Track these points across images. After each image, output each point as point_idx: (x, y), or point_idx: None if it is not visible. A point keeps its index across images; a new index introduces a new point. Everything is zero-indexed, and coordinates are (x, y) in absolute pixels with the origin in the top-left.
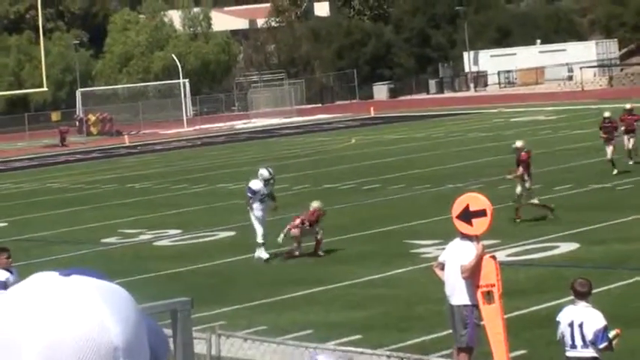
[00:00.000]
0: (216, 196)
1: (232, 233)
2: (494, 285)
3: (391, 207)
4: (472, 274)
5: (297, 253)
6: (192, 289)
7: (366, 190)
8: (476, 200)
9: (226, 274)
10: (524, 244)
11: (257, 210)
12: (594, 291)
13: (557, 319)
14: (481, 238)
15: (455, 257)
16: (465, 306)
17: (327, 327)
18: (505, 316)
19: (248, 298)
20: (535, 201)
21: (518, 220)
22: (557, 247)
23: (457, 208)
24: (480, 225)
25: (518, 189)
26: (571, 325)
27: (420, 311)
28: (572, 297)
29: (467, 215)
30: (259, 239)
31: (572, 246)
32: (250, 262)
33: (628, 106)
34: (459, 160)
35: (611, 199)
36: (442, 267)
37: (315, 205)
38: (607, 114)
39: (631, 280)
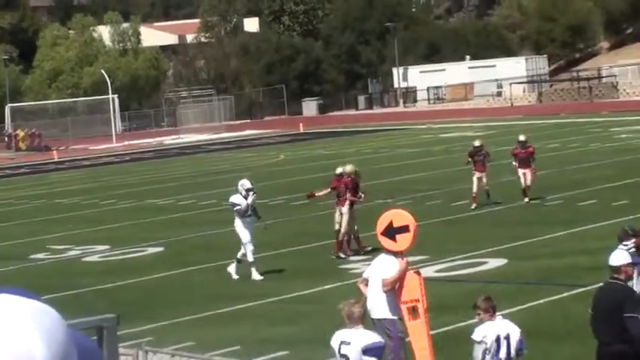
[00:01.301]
0: (144, 212)
1: (161, 249)
2: (418, 300)
3: (320, 223)
4: (393, 288)
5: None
6: (121, 305)
7: (295, 206)
8: (399, 216)
9: (154, 290)
10: (452, 260)
11: (241, 226)
12: (524, 306)
13: (480, 338)
14: (409, 254)
15: (378, 272)
16: (387, 319)
17: (254, 343)
18: (432, 332)
19: (176, 314)
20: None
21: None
22: (485, 262)
23: (381, 224)
24: (403, 241)
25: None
26: (497, 339)
27: None
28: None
29: (391, 232)
30: (250, 258)
31: (501, 262)
32: (179, 278)
33: (522, 137)
34: (387, 176)
35: (540, 214)
36: (367, 283)
37: None
38: (477, 142)
39: (559, 296)
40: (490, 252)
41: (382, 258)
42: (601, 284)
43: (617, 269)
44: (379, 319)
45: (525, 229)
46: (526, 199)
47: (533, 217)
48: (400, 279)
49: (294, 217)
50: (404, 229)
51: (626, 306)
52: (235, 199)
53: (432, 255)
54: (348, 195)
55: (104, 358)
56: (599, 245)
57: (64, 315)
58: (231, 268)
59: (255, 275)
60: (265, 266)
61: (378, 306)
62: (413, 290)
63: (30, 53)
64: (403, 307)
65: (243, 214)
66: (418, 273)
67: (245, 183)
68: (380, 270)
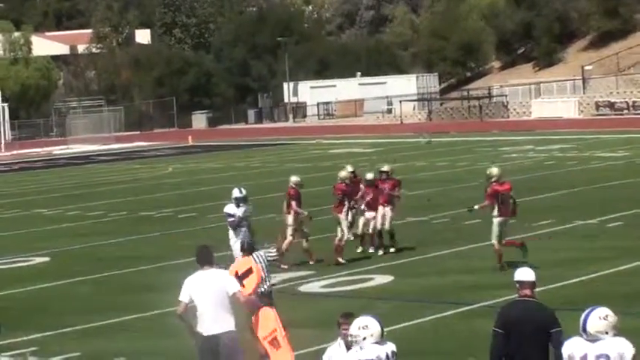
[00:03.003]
0: (31, 222)
1: (47, 259)
2: (275, 330)
3: (208, 236)
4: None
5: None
6: (5, 315)
7: (183, 219)
8: (241, 264)
9: (40, 300)
10: (338, 276)
11: (233, 238)
12: (409, 323)
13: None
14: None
15: (208, 288)
16: (231, 332)
17: (138, 355)
18: (316, 348)
19: (61, 325)
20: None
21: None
22: (371, 279)
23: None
24: (250, 282)
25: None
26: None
27: None
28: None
29: (239, 279)
30: None
31: (387, 278)
32: (64, 289)
33: (385, 167)
34: (275, 191)
35: (427, 232)
36: (186, 307)
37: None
38: (350, 168)
39: (444, 314)
40: (376, 269)
41: (200, 275)
42: (512, 302)
43: (531, 284)
44: (223, 333)
45: (411, 247)
46: (379, 252)
47: (419, 235)
48: (254, 318)
49: (183, 229)
50: (248, 272)
51: (552, 323)
52: (229, 208)
53: (318, 270)
54: (294, 204)
55: None
56: (483, 265)
57: None
58: None
59: None
60: (149, 279)
61: (221, 320)
62: (269, 324)
63: None
64: (265, 343)
65: (235, 227)
66: (271, 305)
67: (234, 191)
68: (210, 285)
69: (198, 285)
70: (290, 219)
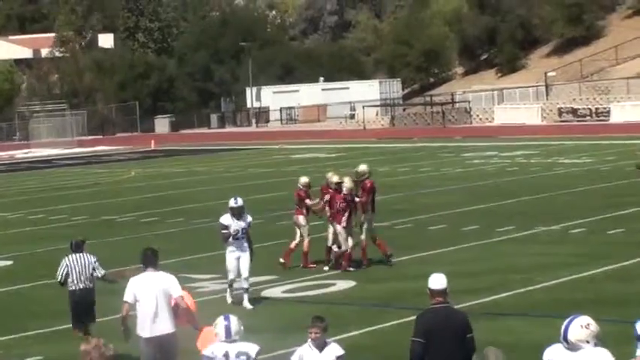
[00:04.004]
0: None
1: (10, 262)
2: None
3: (169, 240)
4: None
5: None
6: None
7: (145, 223)
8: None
9: (2, 303)
10: (301, 281)
11: (229, 251)
12: (372, 328)
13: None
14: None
15: (151, 290)
16: (171, 333)
17: None
18: (280, 352)
19: (24, 328)
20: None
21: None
22: (333, 284)
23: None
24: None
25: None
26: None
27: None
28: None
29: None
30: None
31: (349, 284)
32: (27, 292)
33: (335, 178)
34: (238, 195)
35: (389, 238)
36: (129, 308)
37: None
38: (336, 178)
39: (407, 319)
40: (338, 274)
41: (143, 277)
42: (429, 309)
43: (443, 292)
44: (163, 335)
45: (374, 253)
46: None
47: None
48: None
49: (142, 234)
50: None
51: (468, 327)
52: (225, 219)
53: (281, 275)
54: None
55: None
56: (448, 269)
57: None
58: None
59: (246, 303)
60: (113, 282)
61: (162, 321)
62: (210, 340)
63: None
64: None
65: (226, 239)
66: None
67: (230, 202)
68: (153, 287)
69: (142, 286)
70: (302, 219)
